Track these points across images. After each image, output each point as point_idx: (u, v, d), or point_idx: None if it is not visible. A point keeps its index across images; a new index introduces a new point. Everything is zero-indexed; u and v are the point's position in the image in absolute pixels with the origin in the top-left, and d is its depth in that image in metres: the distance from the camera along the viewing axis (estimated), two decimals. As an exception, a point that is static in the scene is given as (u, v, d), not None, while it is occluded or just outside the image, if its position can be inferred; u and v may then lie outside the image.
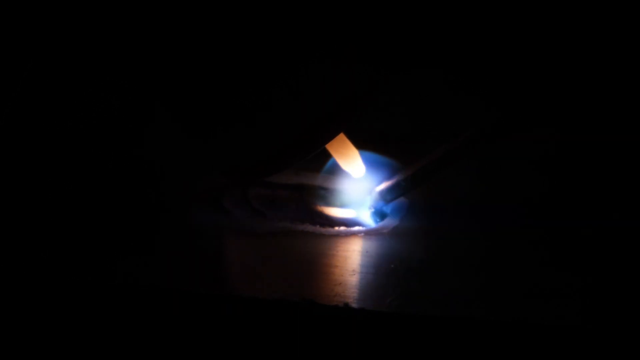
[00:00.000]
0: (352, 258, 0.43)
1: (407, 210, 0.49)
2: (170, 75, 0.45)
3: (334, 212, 0.49)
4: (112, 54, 0.57)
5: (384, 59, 0.45)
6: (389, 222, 0.47)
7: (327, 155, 0.48)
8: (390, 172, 0.48)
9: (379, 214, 0.48)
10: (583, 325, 0.35)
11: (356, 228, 0.46)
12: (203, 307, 0.38)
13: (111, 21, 0.54)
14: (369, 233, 0.46)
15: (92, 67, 0.58)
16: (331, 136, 0.45)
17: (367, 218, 0.48)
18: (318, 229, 0.46)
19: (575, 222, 0.47)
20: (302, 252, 0.43)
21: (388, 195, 0.47)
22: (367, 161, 0.49)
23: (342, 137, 0.47)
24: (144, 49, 0.45)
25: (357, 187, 0.49)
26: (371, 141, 0.49)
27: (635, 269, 0.41)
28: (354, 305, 0.36)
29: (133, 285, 0.39)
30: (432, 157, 0.46)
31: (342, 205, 0.49)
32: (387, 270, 0.41)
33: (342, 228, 0.46)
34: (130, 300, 0.38)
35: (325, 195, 0.50)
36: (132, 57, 0.52)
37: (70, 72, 0.59)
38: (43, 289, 0.39)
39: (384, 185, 0.47)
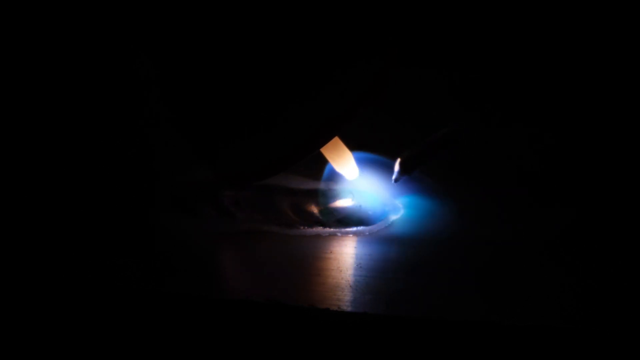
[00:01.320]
0: (317, 258, 0.43)
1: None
2: (171, 78, 0.44)
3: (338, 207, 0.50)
4: (117, 58, 0.56)
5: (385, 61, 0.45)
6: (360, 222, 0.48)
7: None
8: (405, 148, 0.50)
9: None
10: (581, 328, 0.35)
11: (319, 229, 0.47)
12: (173, 307, 0.38)
13: (119, 23, 0.54)
14: (333, 234, 0.47)
15: (95, 67, 0.58)
16: (326, 140, 0.44)
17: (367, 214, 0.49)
18: (283, 229, 0.46)
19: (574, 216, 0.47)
20: (267, 252, 0.44)
21: (409, 167, 0.49)
22: (360, 163, 0.50)
23: (336, 140, 0.48)
24: (150, 54, 0.45)
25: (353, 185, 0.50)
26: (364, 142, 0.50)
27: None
28: (319, 305, 0.37)
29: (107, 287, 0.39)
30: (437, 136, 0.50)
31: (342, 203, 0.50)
32: (351, 270, 0.41)
33: (306, 228, 0.47)
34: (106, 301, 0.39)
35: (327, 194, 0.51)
36: (137, 63, 0.51)
37: (71, 72, 0.58)
38: (40, 291, 0.39)
39: (404, 156, 0.49)
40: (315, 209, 0.49)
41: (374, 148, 0.51)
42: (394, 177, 0.50)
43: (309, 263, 0.42)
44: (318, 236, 0.46)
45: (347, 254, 0.44)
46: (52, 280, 0.39)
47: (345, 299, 0.38)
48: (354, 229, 0.47)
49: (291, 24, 0.42)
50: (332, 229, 0.47)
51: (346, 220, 0.48)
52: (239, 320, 0.37)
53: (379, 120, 0.54)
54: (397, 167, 0.50)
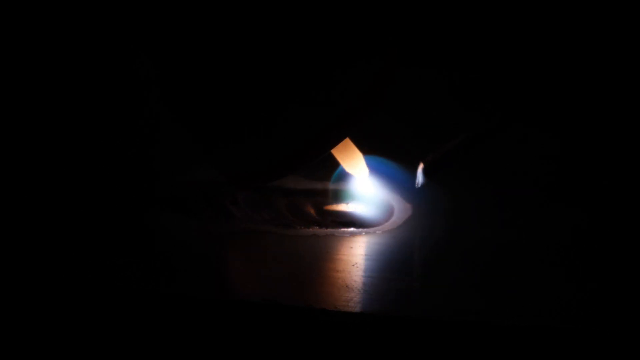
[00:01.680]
0: (314, 258, 0.43)
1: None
2: (171, 78, 0.44)
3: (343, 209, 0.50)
4: (117, 58, 0.56)
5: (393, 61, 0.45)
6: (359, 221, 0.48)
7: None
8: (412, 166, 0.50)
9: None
10: (583, 328, 0.35)
11: (316, 229, 0.47)
12: (172, 308, 0.38)
13: (119, 23, 0.54)
14: (330, 234, 0.46)
15: (96, 67, 0.58)
16: (338, 141, 0.44)
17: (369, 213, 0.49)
18: (280, 229, 0.46)
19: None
20: (264, 252, 0.44)
21: (431, 172, 0.49)
22: (370, 164, 0.50)
23: (347, 141, 0.48)
24: (150, 54, 0.45)
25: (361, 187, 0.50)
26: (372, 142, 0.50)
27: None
28: (316, 305, 0.37)
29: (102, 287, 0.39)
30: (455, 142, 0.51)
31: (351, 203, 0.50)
32: (348, 270, 0.41)
33: (304, 228, 0.47)
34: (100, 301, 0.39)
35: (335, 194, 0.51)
36: (137, 63, 0.51)
37: (71, 72, 0.58)
38: (40, 291, 0.39)
39: (427, 161, 0.49)
40: (312, 210, 0.49)
41: (373, 148, 0.51)
42: (417, 182, 0.50)
43: (306, 263, 0.42)
44: (315, 236, 0.46)
45: (344, 255, 0.43)
46: (52, 280, 0.40)
47: (342, 299, 0.38)
48: (351, 229, 0.47)
49: (291, 24, 0.42)
50: (329, 230, 0.47)
51: (343, 220, 0.48)
52: (237, 321, 0.37)
53: (379, 120, 0.53)
54: (420, 172, 0.49)
